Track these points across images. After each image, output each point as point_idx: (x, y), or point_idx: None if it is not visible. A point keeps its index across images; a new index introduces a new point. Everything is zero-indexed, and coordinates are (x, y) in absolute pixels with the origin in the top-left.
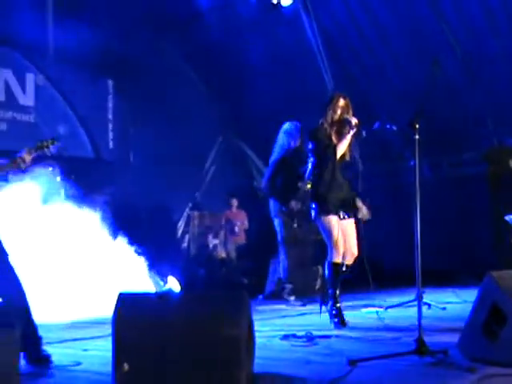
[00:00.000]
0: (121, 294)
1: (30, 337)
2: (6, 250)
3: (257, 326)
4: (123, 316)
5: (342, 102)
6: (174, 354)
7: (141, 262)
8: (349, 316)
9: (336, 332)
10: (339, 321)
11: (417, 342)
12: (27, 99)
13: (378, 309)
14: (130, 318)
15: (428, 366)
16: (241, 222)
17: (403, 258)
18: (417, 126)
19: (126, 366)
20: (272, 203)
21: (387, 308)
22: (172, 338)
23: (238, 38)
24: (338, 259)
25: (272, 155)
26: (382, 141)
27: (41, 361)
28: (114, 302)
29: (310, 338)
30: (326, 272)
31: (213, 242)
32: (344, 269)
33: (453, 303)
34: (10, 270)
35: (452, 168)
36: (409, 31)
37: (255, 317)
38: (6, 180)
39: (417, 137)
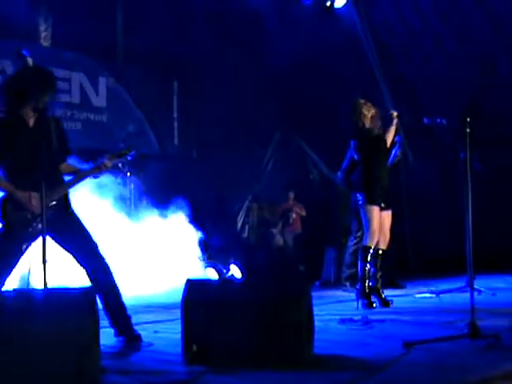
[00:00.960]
0: (188, 280)
1: (119, 316)
2: (95, 239)
3: (315, 311)
4: (191, 300)
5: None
6: (239, 336)
7: (205, 251)
8: (402, 301)
9: (391, 316)
10: (367, 302)
11: (469, 326)
12: (100, 101)
13: (430, 295)
14: (197, 302)
15: (480, 349)
16: (297, 212)
17: (453, 246)
18: (468, 119)
19: (194, 347)
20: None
21: (439, 294)
22: (237, 321)
23: (294, 38)
24: (371, 244)
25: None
26: (432, 134)
27: (133, 338)
28: (183, 288)
29: (365, 322)
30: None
31: (271, 231)
32: (380, 252)
33: (502, 289)
34: (100, 257)
35: (502, 159)
36: (458, 28)
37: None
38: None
39: (468, 130)
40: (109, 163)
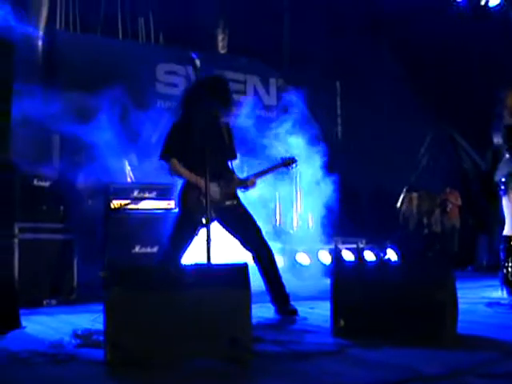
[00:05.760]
0: (335, 261)
1: (279, 293)
2: (258, 224)
3: (464, 294)
4: (340, 281)
5: None
6: (383, 314)
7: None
8: None
9: None
10: (510, 290)
11: None
12: (270, 100)
13: None
14: (345, 283)
15: None
16: (453, 202)
17: None
18: None
19: (341, 322)
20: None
21: None
22: (380, 300)
23: (448, 36)
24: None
25: None
26: None
27: (289, 313)
28: (333, 270)
29: None
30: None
31: (427, 219)
32: None
33: None
34: (263, 240)
35: None
36: None
37: (462, 285)
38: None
39: None
40: (254, 180)
